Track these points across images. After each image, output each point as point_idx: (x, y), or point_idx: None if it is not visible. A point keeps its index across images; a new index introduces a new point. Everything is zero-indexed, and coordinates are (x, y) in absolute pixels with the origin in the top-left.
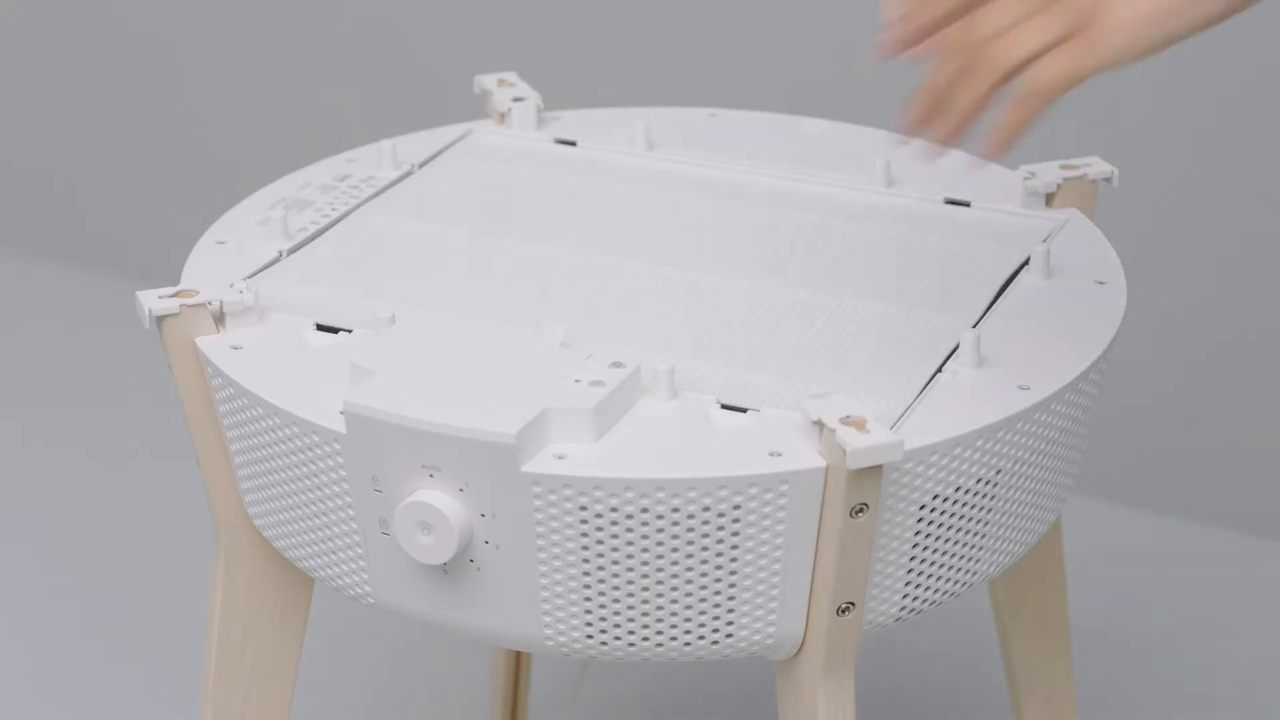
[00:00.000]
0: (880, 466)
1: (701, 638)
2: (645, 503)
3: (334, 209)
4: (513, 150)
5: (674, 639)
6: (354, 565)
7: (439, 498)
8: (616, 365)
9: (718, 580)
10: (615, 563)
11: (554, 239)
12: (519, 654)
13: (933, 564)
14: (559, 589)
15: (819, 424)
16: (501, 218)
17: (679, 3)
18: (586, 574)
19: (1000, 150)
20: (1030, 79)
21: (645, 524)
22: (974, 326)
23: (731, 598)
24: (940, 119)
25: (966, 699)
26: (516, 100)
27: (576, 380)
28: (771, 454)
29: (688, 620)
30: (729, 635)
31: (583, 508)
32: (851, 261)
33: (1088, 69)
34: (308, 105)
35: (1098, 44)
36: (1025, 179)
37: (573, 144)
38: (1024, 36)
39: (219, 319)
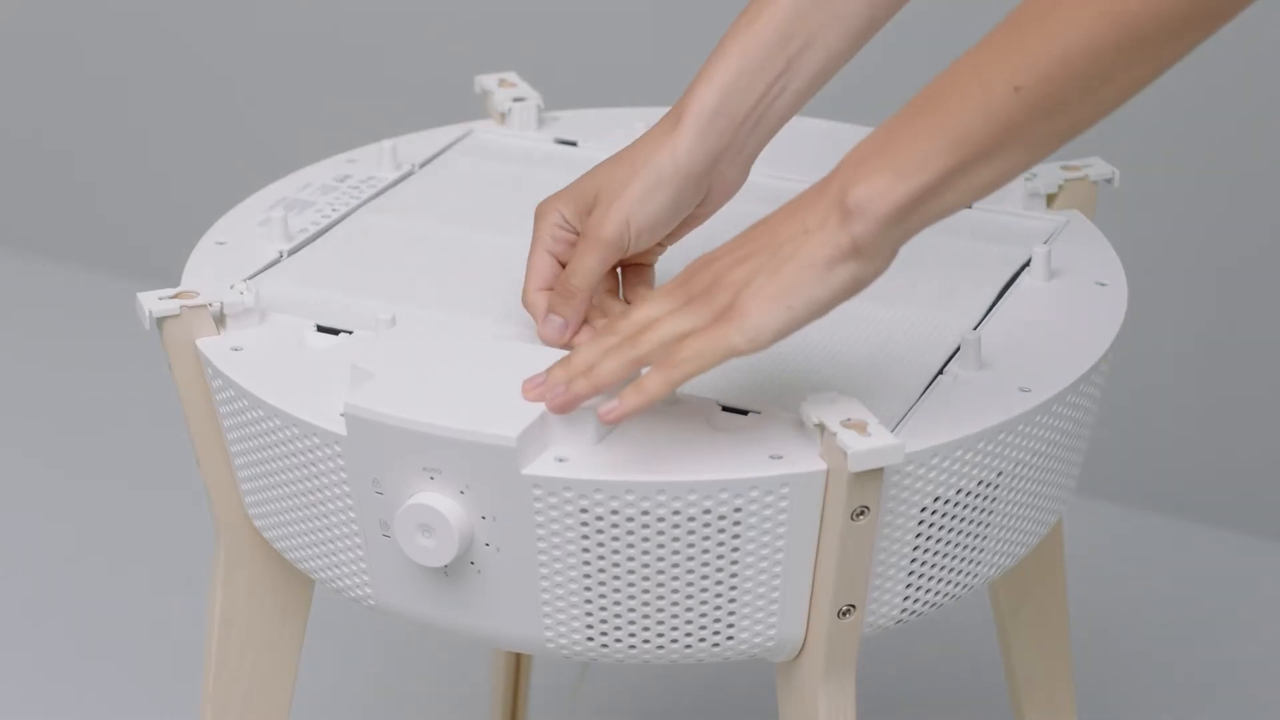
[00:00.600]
0: (881, 469)
1: (702, 640)
2: (646, 505)
3: (334, 209)
4: (513, 150)
5: (675, 641)
6: (354, 567)
7: (440, 500)
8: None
9: (718, 583)
10: (616, 565)
11: None
12: (519, 655)
13: (934, 566)
14: (559, 591)
15: (820, 427)
16: (502, 218)
17: (679, 3)
18: (587, 576)
19: (627, 412)
20: (671, 352)
21: (646, 526)
22: (975, 328)
23: (732, 600)
24: (582, 381)
25: (966, 700)
26: (516, 100)
27: None
28: (772, 457)
29: (688, 622)
30: (730, 637)
31: (583, 510)
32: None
33: (722, 348)
34: (308, 105)
35: (730, 327)
36: (1026, 180)
37: (573, 144)
38: (671, 322)
39: (219, 320)
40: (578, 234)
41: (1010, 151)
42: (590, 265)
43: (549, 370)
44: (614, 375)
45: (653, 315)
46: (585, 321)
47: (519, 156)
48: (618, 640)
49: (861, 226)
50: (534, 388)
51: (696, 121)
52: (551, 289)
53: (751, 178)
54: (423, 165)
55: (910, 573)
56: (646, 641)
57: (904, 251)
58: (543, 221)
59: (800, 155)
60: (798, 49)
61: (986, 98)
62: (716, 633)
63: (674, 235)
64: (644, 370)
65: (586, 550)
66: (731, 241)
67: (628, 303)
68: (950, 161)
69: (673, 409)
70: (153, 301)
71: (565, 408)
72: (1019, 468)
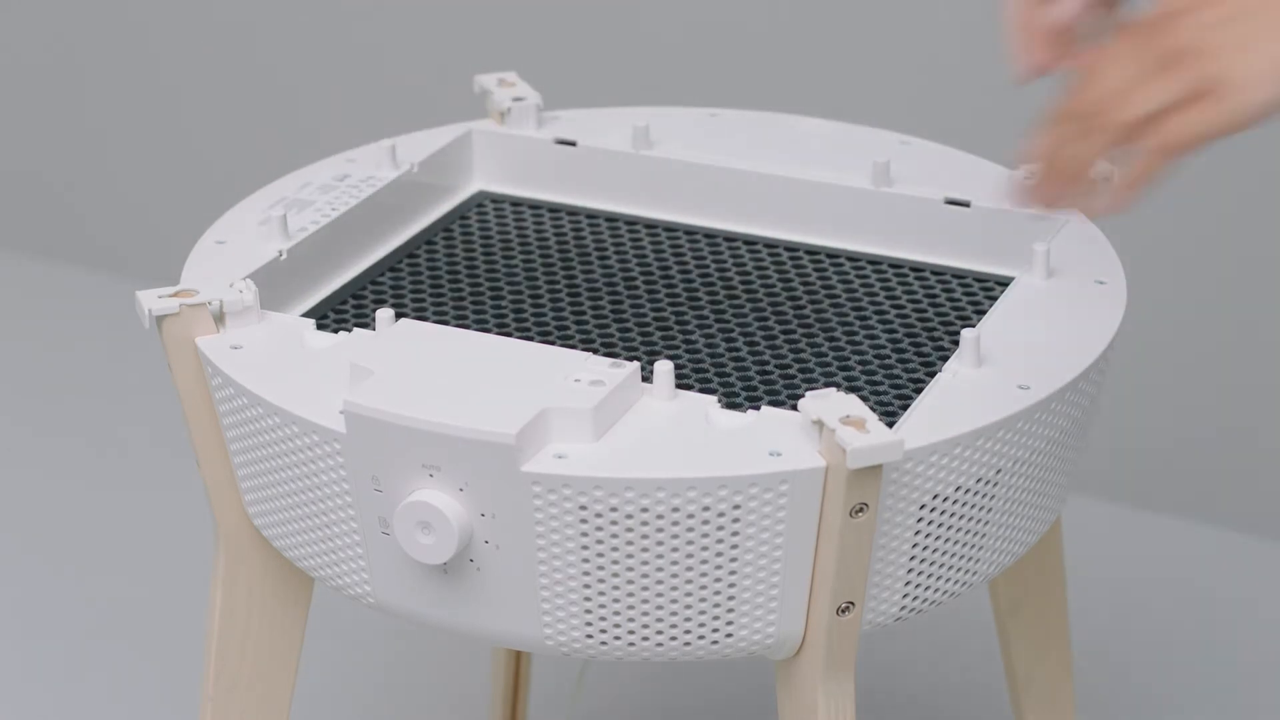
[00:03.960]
0: (880, 466)
1: (701, 637)
2: (645, 502)
3: (334, 209)
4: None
5: (674, 639)
6: (354, 565)
7: (439, 497)
8: (616, 365)
9: (717, 580)
10: (615, 562)
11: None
12: (519, 654)
13: (933, 564)
14: (559, 589)
15: (819, 423)
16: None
17: (679, 3)
18: (586, 574)
19: (1121, 207)
20: (1161, 136)
21: (645, 524)
22: (974, 326)
23: (731, 597)
24: (1054, 176)
25: (966, 699)
26: (516, 100)
27: (576, 380)
28: (771, 454)
29: (688, 620)
30: (729, 635)
31: (582, 507)
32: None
33: (1221, 126)
34: (308, 105)
35: (1229, 100)
36: (1026, 179)
37: (573, 144)
38: (1143, 96)
39: (219, 319)
40: None
41: None
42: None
43: (1024, 157)
44: (1086, 169)
45: (1120, 82)
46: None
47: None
48: (617, 638)
49: None
50: (1021, 190)
51: None
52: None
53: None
54: (421, 165)
55: (909, 570)
56: (646, 639)
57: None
58: None
59: (800, 155)
60: None
61: None
62: (716, 630)
63: None
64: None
65: (586, 548)
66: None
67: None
68: None
69: (672, 406)
70: (152, 300)
71: (1051, 206)
72: (1018, 465)
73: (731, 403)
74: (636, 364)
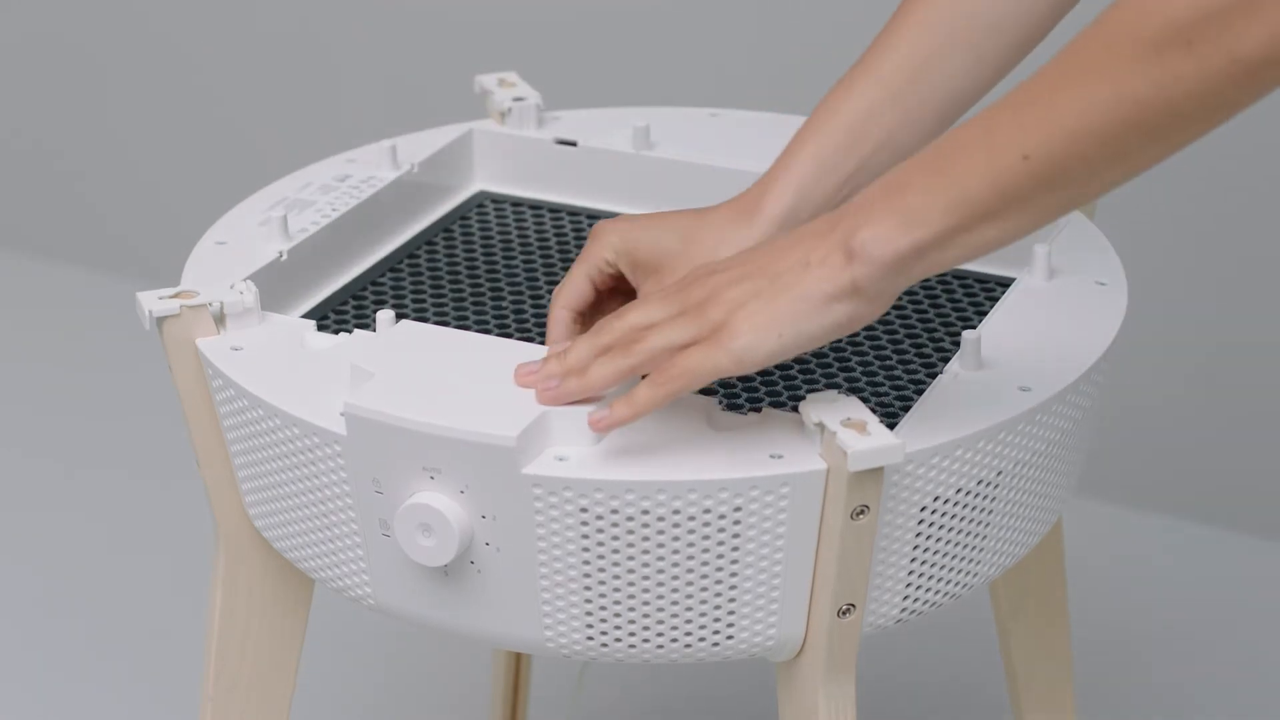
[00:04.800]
0: (881, 468)
1: (702, 639)
2: (646, 505)
3: (334, 209)
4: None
5: (675, 641)
6: (354, 566)
7: (440, 500)
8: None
9: (718, 582)
10: (616, 564)
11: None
12: (519, 654)
13: (933, 565)
14: (559, 591)
15: (820, 426)
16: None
17: (679, 3)
18: (587, 576)
19: (616, 424)
20: (672, 366)
21: (646, 526)
22: (975, 328)
23: (732, 599)
24: (574, 381)
25: (966, 699)
26: (516, 100)
27: None
28: (772, 456)
29: (688, 622)
30: (730, 637)
31: (583, 510)
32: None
33: (709, 368)
34: (308, 105)
35: (719, 348)
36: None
37: (573, 144)
38: (663, 332)
39: (219, 320)
40: (619, 276)
41: (1014, 216)
42: (580, 289)
43: (544, 361)
44: (606, 381)
45: (644, 321)
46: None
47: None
48: (617, 640)
49: (863, 269)
50: (527, 374)
51: (771, 222)
52: (578, 312)
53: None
54: (421, 165)
55: (910, 572)
56: (646, 641)
57: None
58: (595, 244)
59: None
60: (871, 149)
61: (993, 162)
62: (716, 632)
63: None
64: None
65: (586, 550)
66: (733, 258)
67: None
68: (954, 220)
69: (673, 408)
70: (153, 301)
71: (554, 402)
72: (1019, 467)
73: (732, 405)
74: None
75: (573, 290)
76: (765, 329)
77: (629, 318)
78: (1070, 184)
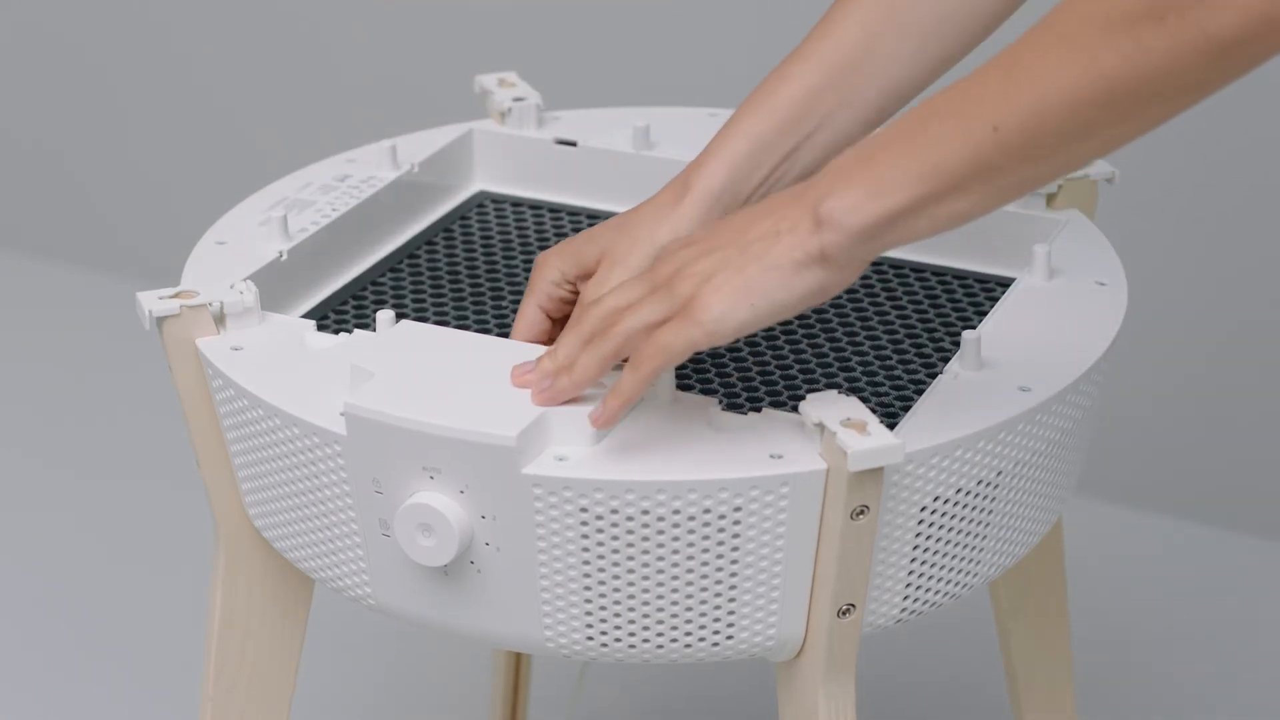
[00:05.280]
0: (881, 469)
1: (702, 639)
2: (646, 504)
3: (334, 209)
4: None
5: (675, 641)
6: (354, 566)
7: (440, 499)
8: (617, 366)
9: (718, 582)
10: (616, 564)
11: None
12: (519, 654)
13: (933, 566)
14: (559, 591)
15: (820, 426)
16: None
17: (679, 3)
18: (587, 576)
19: (612, 417)
20: (646, 343)
21: (646, 526)
22: (975, 328)
23: (732, 599)
24: (565, 378)
25: (966, 699)
26: (516, 100)
27: None
28: (772, 456)
29: (688, 622)
30: (730, 637)
31: (583, 510)
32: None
33: (683, 342)
34: (308, 105)
35: (690, 321)
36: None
37: (573, 144)
38: (637, 312)
39: (219, 320)
40: (574, 292)
41: (983, 189)
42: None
43: (537, 361)
44: (591, 373)
45: (620, 304)
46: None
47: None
48: (617, 640)
49: (831, 237)
50: (522, 375)
51: (703, 198)
52: (538, 341)
53: None
54: (421, 165)
55: (910, 572)
56: (646, 641)
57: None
58: (540, 275)
59: None
60: (810, 130)
61: (965, 133)
62: (716, 632)
63: None
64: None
65: (586, 550)
66: (704, 231)
67: None
68: (923, 189)
69: (673, 408)
70: (153, 301)
71: (550, 403)
72: (1019, 467)
73: (732, 404)
74: None
75: (526, 325)
76: (736, 299)
77: (606, 302)
78: (1040, 157)
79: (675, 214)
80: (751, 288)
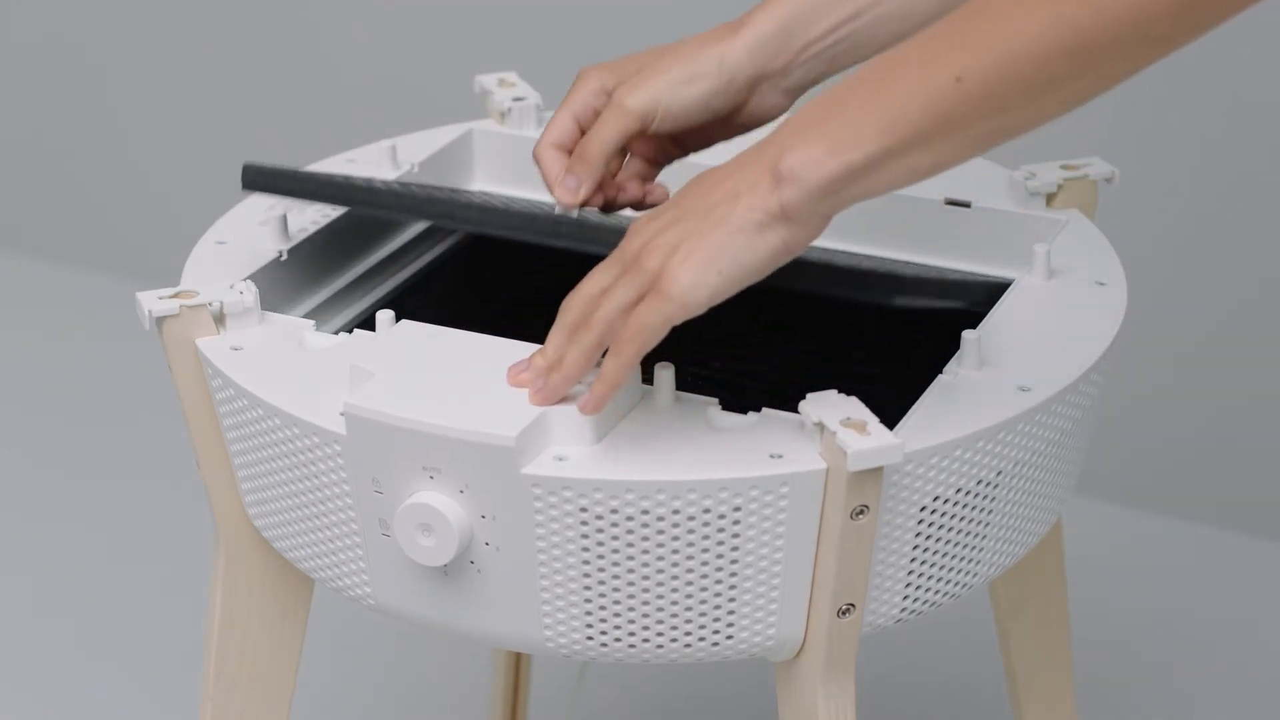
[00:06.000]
0: (881, 468)
1: (702, 639)
2: (645, 504)
3: (334, 209)
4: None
5: (674, 640)
6: (354, 566)
7: (439, 499)
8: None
9: (718, 582)
10: (615, 564)
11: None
12: (519, 655)
13: (933, 565)
14: (559, 590)
15: (819, 426)
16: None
17: (679, 3)
18: (587, 575)
19: (600, 403)
20: (624, 327)
21: (645, 526)
22: (975, 328)
23: (732, 599)
24: (556, 376)
25: (966, 699)
26: (516, 100)
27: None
28: (772, 456)
29: (688, 622)
30: (729, 637)
31: (583, 510)
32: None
33: (659, 320)
34: (308, 105)
35: (661, 297)
36: (1026, 179)
37: None
38: (612, 297)
39: (219, 320)
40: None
41: (947, 142)
42: (610, 130)
43: (530, 360)
44: (580, 365)
45: (595, 290)
46: (600, 189)
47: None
48: (617, 640)
49: (792, 193)
50: (517, 375)
51: (754, 34)
52: (565, 149)
53: None
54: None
55: (910, 572)
56: (646, 641)
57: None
58: (579, 85)
59: None
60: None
61: (927, 85)
62: (716, 632)
63: (695, 139)
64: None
65: (586, 550)
66: (668, 202)
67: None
68: (885, 143)
69: (673, 408)
70: (152, 301)
71: (546, 402)
72: (1019, 467)
73: (732, 405)
74: (637, 366)
75: (556, 130)
76: (703, 268)
77: (583, 289)
78: (1004, 110)
79: (724, 43)
80: (717, 254)
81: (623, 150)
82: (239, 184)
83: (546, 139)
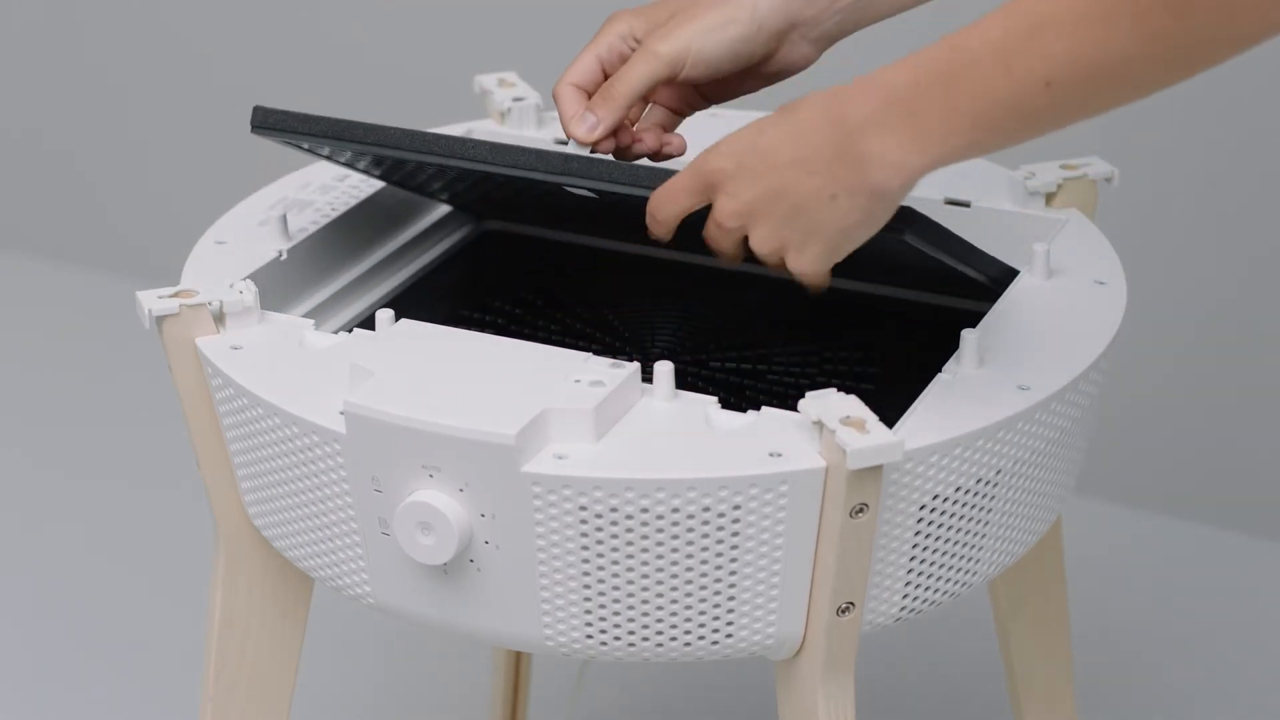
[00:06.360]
0: (880, 467)
1: (701, 638)
2: (645, 503)
3: (334, 209)
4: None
5: (674, 639)
6: (354, 565)
7: (439, 498)
8: (616, 365)
9: (718, 580)
10: (615, 563)
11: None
12: (519, 654)
13: (933, 564)
14: (559, 589)
15: (819, 424)
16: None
17: None
18: (586, 574)
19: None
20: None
21: (645, 524)
22: (974, 326)
23: (731, 598)
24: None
25: (966, 699)
26: (516, 100)
27: (576, 380)
28: (771, 454)
29: (688, 620)
30: (729, 635)
31: (583, 508)
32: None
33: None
34: (308, 105)
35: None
36: (1025, 179)
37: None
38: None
39: (219, 319)
40: (626, 55)
41: (1026, 133)
42: (639, 73)
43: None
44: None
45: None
46: (615, 135)
47: None
48: (617, 638)
49: (885, 190)
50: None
51: None
52: (584, 90)
53: None
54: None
55: (909, 570)
56: (646, 639)
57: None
58: (607, 28)
59: None
60: None
61: (1014, 87)
62: (716, 631)
63: (722, 89)
64: None
65: (585, 548)
66: (749, 194)
67: (669, 143)
68: (970, 139)
69: (672, 406)
70: (152, 300)
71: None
72: (1018, 466)
73: (731, 403)
74: (636, 365)
75: (580, 70)
76: (818, 263)
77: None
78: (1087, 108)
79: None
80: (828, 254)
81: (644, 100)
82: (239, 184)
83: (567, 77)
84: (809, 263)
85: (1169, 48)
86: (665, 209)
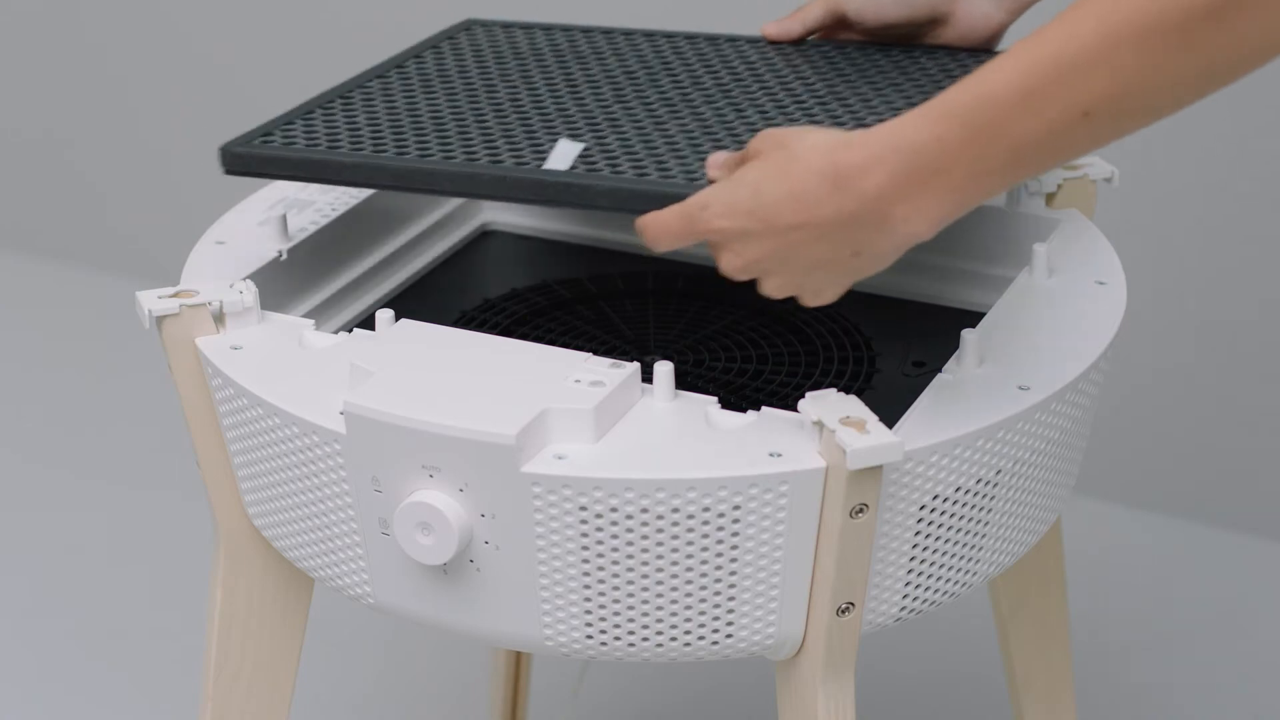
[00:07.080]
0: (880, 467)
1: (701, 638)
2: (645, 503)
3: (334, 209)
4: None
5: (674, 639)
6: (354, 565)
7: (439, 498)
8: (616, 365)
9: (718, 580)
10: (615, 563)
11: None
12: (519, 654)
13: (933, 564)
14: (559, 589)
15: (819, 424)
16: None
17: (679, 3)
18: (586, 574)
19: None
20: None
21: (645, 524)
22: (974, 326)
23: (731, 598)
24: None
25: (966, 699)
26: None
27: (576, 380)
28: (771, 454)
29: (688, 620)
30: (729, 635)
31: (582, 508)
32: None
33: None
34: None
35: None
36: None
37: None
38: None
39: (219, 319)
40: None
41: (1058, 160)
42: (814, 11)
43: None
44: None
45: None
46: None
47: None
48: (617, 638)
49: (919, 239)
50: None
51: None
52: (789, 38)
53: None
54: None
55: (909, 570)
56: (646, 639)
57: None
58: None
59: None
60: None
61: (1051, 124)
62: (716, 630)
63: (893, 41)
64: None
65: (585, 548)
66: (754, 254)
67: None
68: (1007, 178)
69: (672, 406)
70: (152, 300)
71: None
72: (1018, 465)
73: (731, 403)
74: (636, 364)
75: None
76: (833, 299)
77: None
78: (1122, 129)
79: None
80: (849, 286)
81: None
82: (239, 184)
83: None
84: (827, 300)
85: (1212, 60)
86: (655, 242)
